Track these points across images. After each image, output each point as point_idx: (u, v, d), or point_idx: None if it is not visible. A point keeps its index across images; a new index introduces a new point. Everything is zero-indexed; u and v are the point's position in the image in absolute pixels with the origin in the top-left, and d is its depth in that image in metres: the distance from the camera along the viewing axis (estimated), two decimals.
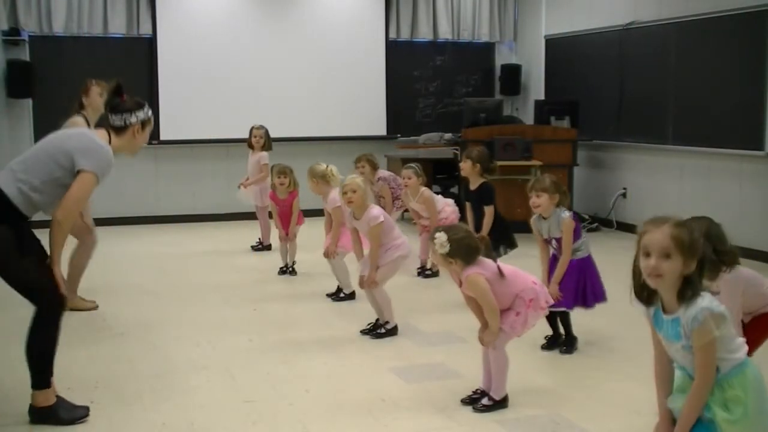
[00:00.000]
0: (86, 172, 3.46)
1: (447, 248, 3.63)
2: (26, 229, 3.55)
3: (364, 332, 5.03)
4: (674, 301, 2.45)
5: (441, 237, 3.65)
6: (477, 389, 3.89)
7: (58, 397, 3.67)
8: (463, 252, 3.66)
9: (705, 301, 2.39)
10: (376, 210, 4.99)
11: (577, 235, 4.59)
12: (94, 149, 3.53)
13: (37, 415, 3.63)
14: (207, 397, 3.95)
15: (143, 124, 3.73)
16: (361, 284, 5.01)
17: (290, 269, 6.85)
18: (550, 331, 4.75)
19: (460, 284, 3.77)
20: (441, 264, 3.80)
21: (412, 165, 6.56)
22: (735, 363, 2.46)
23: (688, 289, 2.41)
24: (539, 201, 4.53)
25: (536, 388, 4.09)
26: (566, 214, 4.53)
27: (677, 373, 2.59)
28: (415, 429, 3.60)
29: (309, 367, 4.44)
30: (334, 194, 5.75)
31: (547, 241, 4.65)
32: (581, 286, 4.57)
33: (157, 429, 3.61)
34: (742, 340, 2.53)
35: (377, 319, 5.06)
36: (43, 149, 3.57)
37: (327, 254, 5.87)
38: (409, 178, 6.41)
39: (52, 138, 3.64)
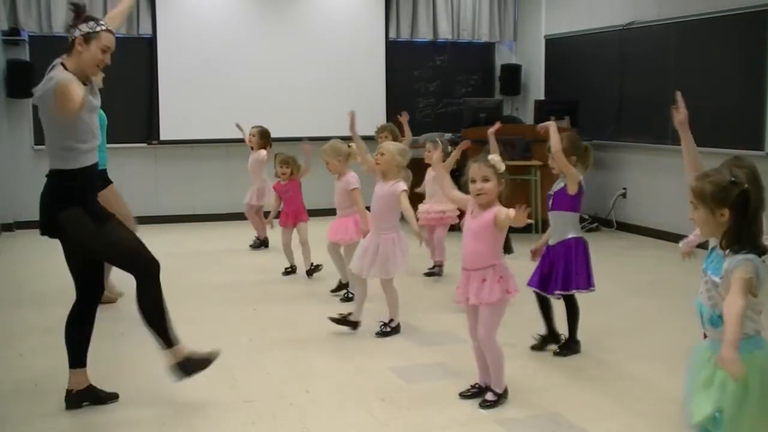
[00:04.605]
0: (56, 87, 3.52)
1: (503, 167, 3.74)
2: (93, 200, 3.74)
3: (332, 319, 5.01)
4: (724, 245, 2.59)
5: (496, 157, 3.77)
6: (475, 384, 3.93)
7: (188, 351, 3.86)
8: (506, 182, 3.77)
9: (751, 255, 2.50)
10: (402, 183, 5.03)
11: (578, 202, 4.51)
12: (45, 83, 3.65)
13: (180, 369, 3.83)
14: (207, 397, 3.95)
15: (86, 37, 3.70)
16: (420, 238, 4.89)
17: (314, 267, 6.66)
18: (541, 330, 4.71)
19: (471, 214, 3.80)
20: (487, 174, 3.70)
21: (435, 137, 6.49)
22: (748, 333, 2.46)
23: (728, 240, 2.54)
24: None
25: (536, 388, 4.09)
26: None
27: (699, 349, 2.62)
28: (415, 429, 3.60)
29: (309, 367, 4.44)
30: (350, 176, 5.81)
31: (549, 197, 4.60)
32: (590, 267, 4.50)
33: (157, 429, 3.61)
34: (765, 322, 2.58)
35: (350, 313, 5.06)
36: (42, 119, 3.69)
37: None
38: (429, 151, 6.37)
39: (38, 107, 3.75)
